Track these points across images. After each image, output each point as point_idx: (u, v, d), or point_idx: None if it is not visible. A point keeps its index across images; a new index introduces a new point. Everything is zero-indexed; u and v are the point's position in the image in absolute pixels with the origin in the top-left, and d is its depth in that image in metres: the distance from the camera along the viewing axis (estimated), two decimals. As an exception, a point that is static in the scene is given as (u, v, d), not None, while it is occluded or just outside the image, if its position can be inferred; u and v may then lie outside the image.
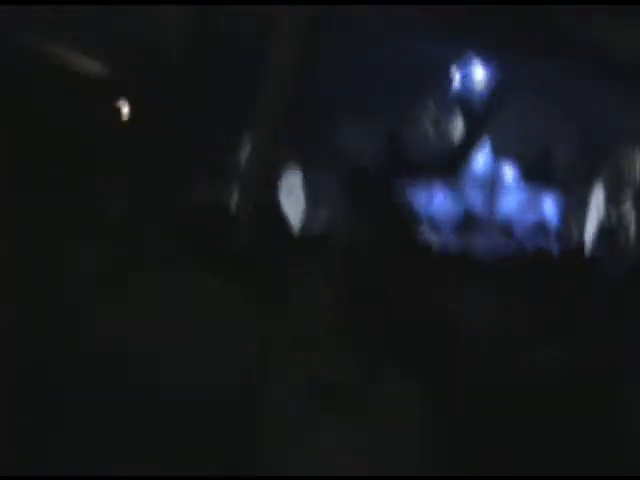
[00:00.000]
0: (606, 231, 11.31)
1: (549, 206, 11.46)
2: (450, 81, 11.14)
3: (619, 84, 10.70)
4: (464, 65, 11.12)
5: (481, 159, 11.23)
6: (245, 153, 8.54)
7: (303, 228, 9.67)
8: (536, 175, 11.85)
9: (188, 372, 2.45)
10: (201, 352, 2.48)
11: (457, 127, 11.08)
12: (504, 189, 11.37)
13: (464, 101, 11.20)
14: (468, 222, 11.54)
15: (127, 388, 2.43)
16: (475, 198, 11.36)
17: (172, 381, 2.48)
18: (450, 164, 11.12)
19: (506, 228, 11.35)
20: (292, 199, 10.40)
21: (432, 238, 11.11)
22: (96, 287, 2.60)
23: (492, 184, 11.32)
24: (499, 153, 11.20)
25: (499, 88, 11.23)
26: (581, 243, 11.18)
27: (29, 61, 7.77)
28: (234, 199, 7.69)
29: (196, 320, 2.56)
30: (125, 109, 9.09)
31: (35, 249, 3.62)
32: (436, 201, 11.15)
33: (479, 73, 11.19)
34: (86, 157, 7.58)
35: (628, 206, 11.30)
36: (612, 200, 11.51)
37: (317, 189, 10.72)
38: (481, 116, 11.23)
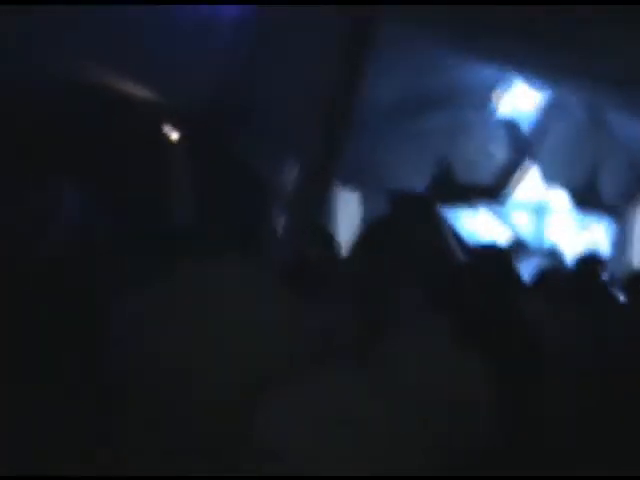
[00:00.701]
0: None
1: (599, 231, 11.43)
2: (498, 104, 11.16)
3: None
4: (511, 88, 11.14)
5: (529, 183, 11.23)
6: (296, 174, 8.60)
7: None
8: (585, 200, 11.82)
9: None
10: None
11: (504, 150, 11.11)
12: (553, 214, 11.33)
13: (511, 124, 11.22)
14: (515, 246, 11.52)
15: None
16: (522, 222, 11.34)
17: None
18: (497, 188, 11.14)
19: (555, 253, 11.31)
20: (340, 219, 10.43)
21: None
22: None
23: (540, 208, 11.28)
24: (547, 177, 11.17)
25: (547, 112, 11.25)
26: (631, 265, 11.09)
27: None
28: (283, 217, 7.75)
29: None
30: (176, 135, 9.19)
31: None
32: (482, 224, 11.17)
33: (527, 96, 11.20)
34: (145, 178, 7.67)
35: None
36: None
37: (364, 209, 10.74)
38: (528, 140, 11.25)
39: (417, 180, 10.87)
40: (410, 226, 9.44)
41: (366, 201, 10.81)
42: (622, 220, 11.53)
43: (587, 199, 11.85)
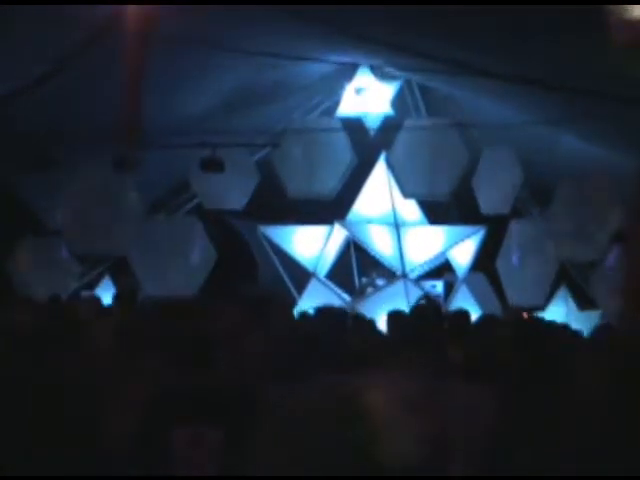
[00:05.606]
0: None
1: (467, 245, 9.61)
2: (337, 99, 9.29)
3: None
4: (354, 80, 9.25)
5: (379, 193, 9.39)
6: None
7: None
8: (450, 211, 10.11)
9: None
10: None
11: (346, 157, 9.16)
12: (409, 228, 9.46)
13: (354, 124, 9.27)
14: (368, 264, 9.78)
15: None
16: (376, 238, 9.50)
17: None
18: (340, 201, 9.26)
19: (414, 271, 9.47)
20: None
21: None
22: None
23: (396, 222, 9.38)
24: (402, 186, 9.30)
25: (399, 108, 9.37)
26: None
27: None
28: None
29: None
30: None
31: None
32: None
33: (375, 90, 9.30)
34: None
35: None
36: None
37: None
38: (375, 141, 9.34)
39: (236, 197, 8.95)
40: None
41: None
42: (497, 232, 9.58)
43: (452, 210, 10.17)
